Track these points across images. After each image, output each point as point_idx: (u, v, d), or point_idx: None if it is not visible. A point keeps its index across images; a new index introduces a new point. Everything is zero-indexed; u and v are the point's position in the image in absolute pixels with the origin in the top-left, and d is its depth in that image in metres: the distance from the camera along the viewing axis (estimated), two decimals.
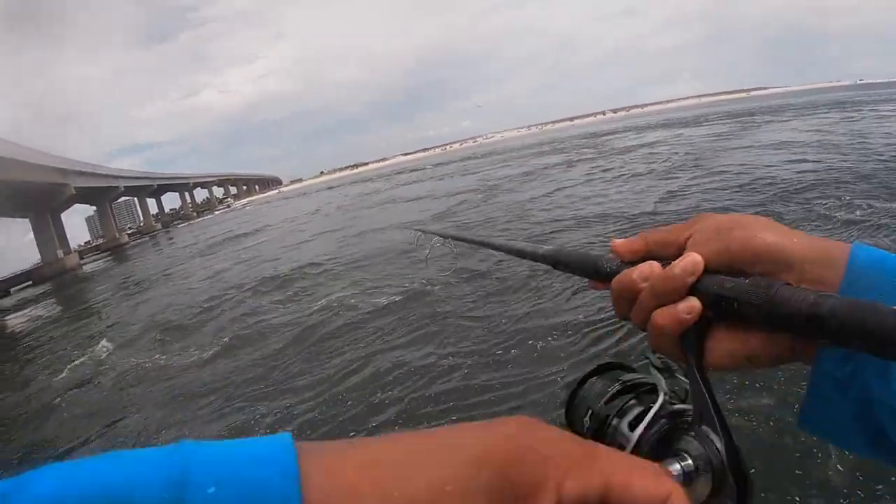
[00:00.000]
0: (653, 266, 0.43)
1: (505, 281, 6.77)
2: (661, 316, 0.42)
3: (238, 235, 25.33)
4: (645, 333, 0.45)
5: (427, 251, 1.49)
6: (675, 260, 0.42)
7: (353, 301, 7.67)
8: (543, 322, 5.33)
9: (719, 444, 0.38)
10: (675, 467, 0.38)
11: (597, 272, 0.50)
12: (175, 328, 9.43)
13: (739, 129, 23.44)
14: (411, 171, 54.14)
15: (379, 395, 4.62)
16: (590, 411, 0.47)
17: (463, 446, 0.28)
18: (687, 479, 0.38)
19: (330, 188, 63.01)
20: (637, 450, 0.42)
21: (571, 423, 0.49)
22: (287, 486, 0.24)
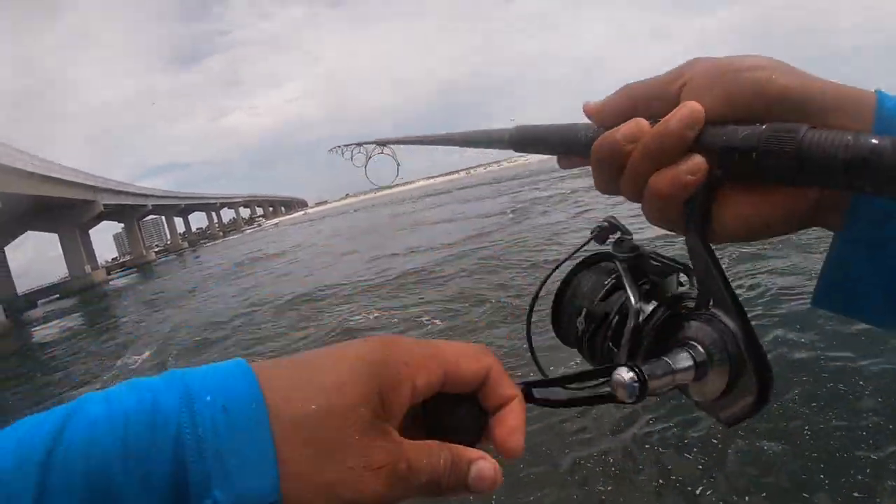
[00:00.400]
0: (640, 123, 0.37)
1: None
2: (660, 181, 0.35)
3: (266, 256, 25.26)
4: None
5: (364, 162, 1.27)
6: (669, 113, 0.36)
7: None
8: None
9: (733, 325, 0.34)
10: (686, 358, 0.34)
11: (570, 145, 0.43)
12: (197, 343, 9.53)
13: None
14: (437, 193, 54.26)
15: None
16: (584, 311, 0.43)
17: (350, 351, 0.33)
18: (700, 370, 0.34)
19: (356, 210, 63.42)
20: (636, 347, 0.39)
21: (560, 327, 0.46)
22: (251, 387, 0.30)
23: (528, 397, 0.37)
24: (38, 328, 23.20)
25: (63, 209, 40.24)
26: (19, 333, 23.24)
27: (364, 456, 0.30)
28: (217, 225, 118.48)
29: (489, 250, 11.23)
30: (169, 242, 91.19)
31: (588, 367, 0.42)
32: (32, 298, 41.60)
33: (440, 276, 9.63)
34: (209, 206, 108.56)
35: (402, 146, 1.13)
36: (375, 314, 7.85)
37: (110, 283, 42.69)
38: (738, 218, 0.35)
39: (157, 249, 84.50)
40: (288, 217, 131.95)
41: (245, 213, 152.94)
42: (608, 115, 0.40)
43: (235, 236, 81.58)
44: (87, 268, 43.48)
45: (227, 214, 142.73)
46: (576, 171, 0.44)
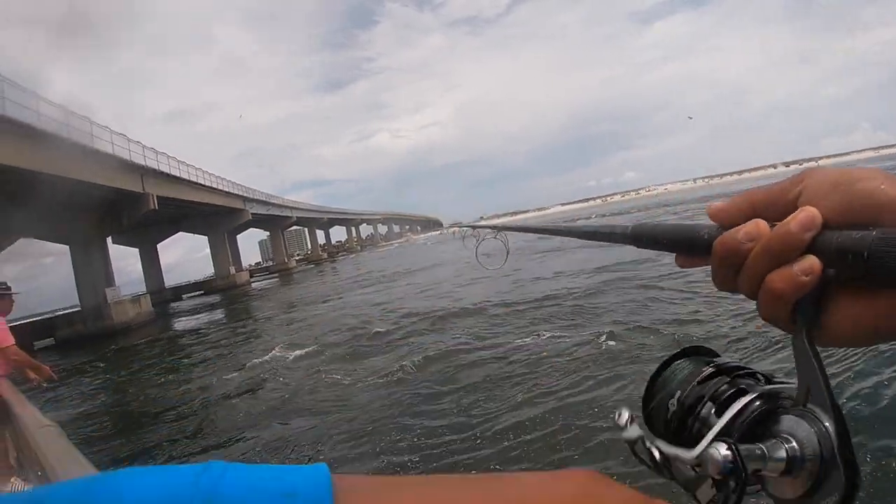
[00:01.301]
0: (759, 224, 0.38)
1: None
2: (776, 279, 0.37)
3: (405, 271, 25.64)
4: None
5: (476, 244, 1.33)
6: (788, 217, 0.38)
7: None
8: None
9: (830, 427, 0.34)
10: (780, 450, 0.34)
11: (690, 244, 0.43)
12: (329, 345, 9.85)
13: None
14: (576, 219, 53.27)
15: None
16: (678, 393, 0.43)
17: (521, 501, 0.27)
18: (790, 465, 0.34)
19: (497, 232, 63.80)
20: (725, 434, 0.37)
21: (650, 411, 0.45)
22: None
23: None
24: (181, 319, 25.64)
25: (214, 215, 44.54)
26: (164, 322, 25.78)
27: None
28: (356, 239, 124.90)
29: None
30: (309, 252, 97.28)
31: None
32: (179, 292, 46.20)
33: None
34: (349, 221, 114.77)
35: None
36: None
37: (252, 284, 46.35)
38: (847, 321, 0.36)
39: (297, 258, 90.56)
40: (433, 233, 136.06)
41: (383, 229, 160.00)
42: (730, 216, 0.41)
43: (374, 249, 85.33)
44: (232, 269, 47.51)
45: (365, 230, 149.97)
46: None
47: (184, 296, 45.19)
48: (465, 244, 1.50)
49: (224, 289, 43.72)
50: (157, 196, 28.72)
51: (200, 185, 37.01)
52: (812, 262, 0.35)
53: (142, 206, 27.72)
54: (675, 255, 0.46)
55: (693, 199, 52.51)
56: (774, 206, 0.40)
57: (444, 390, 5.71)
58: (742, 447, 0.34)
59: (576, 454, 3.78)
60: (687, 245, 0.44)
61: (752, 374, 0.41)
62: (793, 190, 0.39)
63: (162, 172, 29.91)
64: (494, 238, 1.23)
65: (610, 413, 3.84)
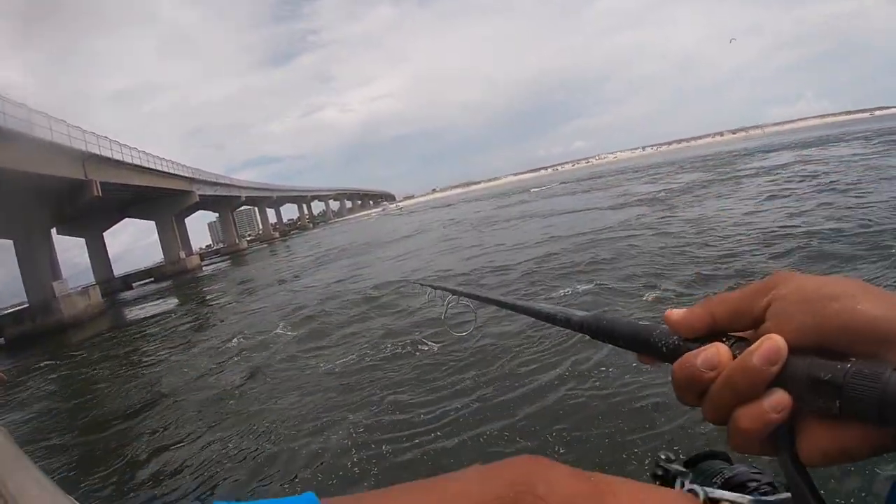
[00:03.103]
0: (720, 351, 0.37)
1: None
2: (744, 419, 0.35)
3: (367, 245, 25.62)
4: None
5: (443, 309, 1.36)
6: (747, 332, 0.37)
7: None
8: None
9: None
10: None
11: (648, 348, 0.43)
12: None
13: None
14: (530, 189, 53.50)
15: None
16: None
17: (461, 498, 0.27)
18: None
19: (449, 205, 63.90)
20: None
21: None
22: None
23: None
24: (133, 309, 24.82)
25: (161, 199, 43.07)
26: (115, 313, 25.00)
27: None
28: (307, 217, 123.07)
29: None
30: (261, 232, 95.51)
31: None
32: (128, 281, 44.84)
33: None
34: (300, 199, 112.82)
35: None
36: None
37: (203, 268, 45.25)
38: (818, 448, 0.34)
39: (249, 238, 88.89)
40: (380, 209, 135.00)
41: (335, 205, 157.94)
42: (689, 328, 0.40)
43: (326, 226, 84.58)
44: (182, 254, 46.24)
45: (317, 207, 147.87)
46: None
47: (134, 284, 43.81)
48: (431, 303, 1.56)
49: (175, 274, 42.56)
50: (101, 182, 27.57)
51: (146, 168, 35.68)
52: (781, 398, 0.34)
53: (85, 194, 26.60)
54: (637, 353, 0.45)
55: (644, 165, 53.62)
56: (740, 317, 0.38)
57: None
58: None
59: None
60: (644, 348, 0.43)
61: (763, 484, 0.40)
62: (759, 302, 0.37)
63: (105, 157, 28.64)
64: (457, 303, 1.28)
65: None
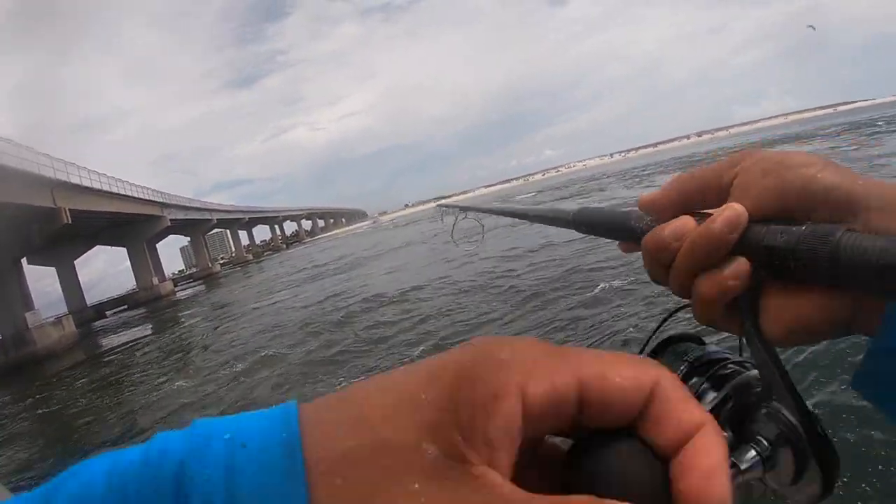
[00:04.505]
0: (686, 222, 0.37)
1: None
2: (704, 285, 0.36)
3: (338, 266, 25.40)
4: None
5: (454, 224, 1.52)
6: (715, 209, 0.37)
7: None
8: None
9: (794, 419, 0.34)
10: (752, 454, 0.34)
11: (626, 232, 0.44)
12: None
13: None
14: (516, 197, 53.83)
15: None
16: None
17: (417, 371, 0.26)
18: (768, 464, 0.34)
19: (430, 220, 63.99)
20: None
21: None
22: (286, 424, 0.23)
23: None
24: (107, 337, 24.40)
25: (132, 224, 42.36)
26: (88, 343, 24.45)
27: None
28: (280, 237, 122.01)
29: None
30: (234, 255, 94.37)
31: None
32: (101, 309, 43.85)
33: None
34: (272, 220, 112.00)
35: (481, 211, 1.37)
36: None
37: (176, 293, 44.47)
38: (781, 322, 0.34)
39: (222, 262, 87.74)
40: (354, 227, 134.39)
41: (307, 225, 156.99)
42: (661, 207, 0.41)
43: (298, 247, 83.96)
44: (155, 280, 45.33)
45: (290, 227, 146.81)
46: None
47: (107, 313, 42.80)
48: (444, 222, 1.72)
49: (148, 301, 41.66)
50: (70, 209, 27.03)
51: (115, 194, 35.10)
52: (740, 264, 0.34)
53: (55, 222, 26.02)
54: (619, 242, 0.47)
55: (616, 171, 54.43)
56: (706, 194, 0.39)
57: None
58: None
59: None
60: (622, 233, 0.45)
61: (732, 363, 0.40)
62: (725, 176, 0.38)
63: (74, 184, 28.10)
64: (465, 218, 1.48)
65: None
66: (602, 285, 7.46)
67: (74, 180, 28.34)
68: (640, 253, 0.43)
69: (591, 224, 0.49)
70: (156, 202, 44.33)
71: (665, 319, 0.50)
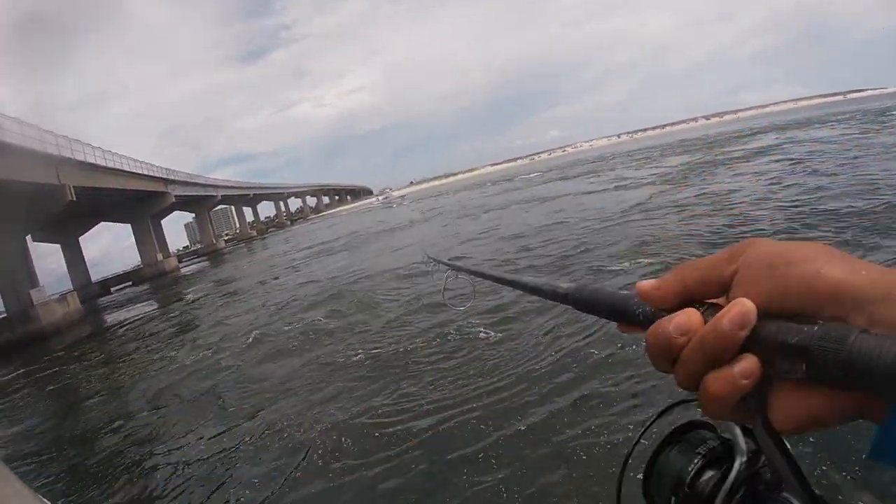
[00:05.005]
0: (691, 317, 0.37)
1: None
2: (714, 384, 0.35)
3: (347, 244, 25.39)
4: None
5: (443, 284, 1.47)
6: (717, 299, 0.38)
7: None
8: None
9: None
10: None
11: (626, 317, 0.44)
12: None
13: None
14: (520, 176, 53.54)
15: None
16: (672, 499, 0.42)
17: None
18: None
19: (437, 195, 64.09)
20: None
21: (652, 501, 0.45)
22: None
23: None
24: (112, 314, 24.59)
25: (136, 200, 42.34)
26: (94, 319, 24.63)
27: None
28: (285, 214, 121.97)
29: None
30: (238, 231, 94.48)
31: None
32: (106, 285, 44.05)
33: None
34: (277, 196, 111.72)
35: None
36: None
37: (181, 270, 44.68)
38: (787, 414, 0.35)
39: (226, 238, 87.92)
40: (363, 202, 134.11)
41: (312, 201, 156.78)
42: (661, 298, 0.41)
43: (303, 224, 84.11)
44: (159, 256, 45.59)
45: (294, 204, 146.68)
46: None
47: (112, 289, 42.98)
48: (434, 278, 1.66)
49: (153, 277, 41.89)
50: (75, 186, 27.04)
51: (119, 170, 35.12)
52: (750, 363, 0.34)
53: (59, 199, 26.03)
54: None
55: (622, 151, 54.00)
56: (709, 284, 0.39)
57: None
58: None
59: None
60: (623, 316, 0.45)
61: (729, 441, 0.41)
62: (727, 269, 0.38)
63: (78, 161, 28.15)
64: (455, 278, 1.42)
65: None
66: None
67: (79, 157, 28.39)
68: (639, 334, 0.43)
69: (589, 303, 0.49)
70: (160, 178, 44.29)
71: (662, 412, 0.50)
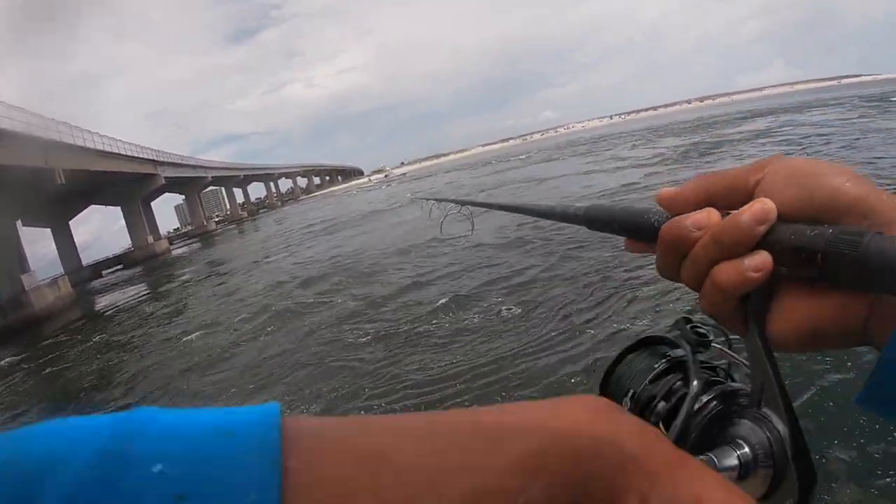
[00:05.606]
0: (711, 213, 0.37)
1: None
2: (723, 272, 0.35)
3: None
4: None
5: (442, 219, 1.44)
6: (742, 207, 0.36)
7: None
8: None
9: (782, 429, 0.33)
10: (731, 457, 0.33)
11: (639, 229, 0.43)
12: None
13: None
14: (519, 156, 53.48)
15: None
16: (630, 392, 0.41)
17: (512, 439, 0.22)
18: (744, 470, 0.33)
19: (430, 175, 64.22)
20: (683, 437, 0.36)
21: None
22: (263, 474, 0.18)
23: None
24: (104, 297, 24.48)
25: (126, 183, 41.90)
26: (84, 303, 24.52)
27: None
28: (275, 195, 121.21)
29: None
30: (229, 212, 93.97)
31: None
32: (97, 269, 43.78)
33: None
34: (267, 177, 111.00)
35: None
36: None
37: (172, 252, 44.45)
38: (790, 323, 0.34)
39: (217, 219, 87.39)
40: (356, 182, 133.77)
41: (303, 182, 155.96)
42: (681, 203, 0.40)
43: (294, 205, 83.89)
44: (150, 238, 45.21)
45: (285, 185, 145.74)
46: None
47: (103, 272, 42.73)
48: (431, 216, 1.63)
49: (144, 260, 41.57)
50: (64, 169, 26.82)
51: (109, 152, 34.75)
52: (764, 257, 0.34)
53: (48, 183, 25.86)
54: (625, 239, 0.45)
55: (616, 132, 53.95)
56: (731, 194, 0.38)
57: None
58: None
59: None
60: (636, 230, 0.43)
61: (712, 368, 0.39)
62: (752, 178, 0.37)
63: (66, 144, 27.82)
64: (458, 212, 1.36)
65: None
66: None
67: (67, 140, 28.04)
68: (650, 254, 0.42)
69: (604, 221, 0.47)
70: (150, 160, 43.86)
71: (636, 344, 0.45)
